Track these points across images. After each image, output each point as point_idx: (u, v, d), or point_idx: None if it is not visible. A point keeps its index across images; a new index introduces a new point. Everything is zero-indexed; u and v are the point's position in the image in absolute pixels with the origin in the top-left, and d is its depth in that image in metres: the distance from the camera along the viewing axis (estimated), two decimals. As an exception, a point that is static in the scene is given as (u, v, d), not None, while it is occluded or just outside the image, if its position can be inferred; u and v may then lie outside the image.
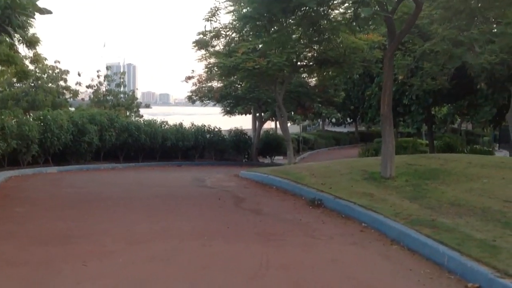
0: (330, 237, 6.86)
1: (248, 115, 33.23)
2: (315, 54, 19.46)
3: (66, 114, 18.93)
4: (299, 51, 18.21)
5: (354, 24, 11.90)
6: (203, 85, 27.14)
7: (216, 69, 20.08)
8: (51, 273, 5.10)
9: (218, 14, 17.25)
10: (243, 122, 31.00)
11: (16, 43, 13.85)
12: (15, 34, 8.97)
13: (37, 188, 11.89)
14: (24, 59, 18.94)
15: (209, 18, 17.43)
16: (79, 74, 34.98)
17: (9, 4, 7.69)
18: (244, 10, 12.67)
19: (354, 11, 10.89)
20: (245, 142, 26.97)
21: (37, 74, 29.23)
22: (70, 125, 17.75)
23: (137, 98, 39.87)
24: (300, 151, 34.12)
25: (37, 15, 8.62)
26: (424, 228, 6.39)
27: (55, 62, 31.36)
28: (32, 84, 29.43)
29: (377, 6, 10.08)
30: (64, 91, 31.49)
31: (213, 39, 19.55)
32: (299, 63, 20.58)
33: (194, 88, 27.48)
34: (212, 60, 20.40)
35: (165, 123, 23.64)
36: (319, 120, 52.09)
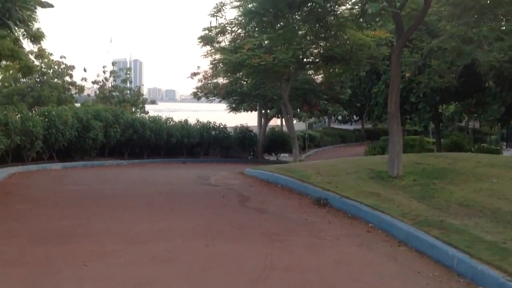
0: (336, 238, 6.73)
1: (253, 112, 33.11)
2: (322, 51, 19.33)
3: (70, 110, 18.86)
4: (305, 48, 18.07)
5: (361, 20, 11.75)
6: (209, 82, 27.07)
7: (222, 66, 19.96)
8: (51, 273, 5.02)
9: (223, 10, 17.19)
10: (249, 119, 30.79)
11: (21, 38, 13.76)
12: (17, 28, 8.86)
13: (40, 185, 11.82)
14: (30, 54, 18.90)
15: (215, 14, 17.37)
16: (85, 70, 35.09)
17: (10, -3, 7.59)
18: (250, 6, 12.51)
19: (362, 6, 10.75)
20: (250, 139, 26.83)
21: (42, 69, 29.28)
22: (75, 121, 17.65)
23: (143, 94, 39.91)
24: (306, 148, 33.97)
25: (39, 9, 8.52)
26: (433, 229, 6.26)
27: (61, 57, 31.50)
28: (38, 80, 29.50)
29: (385, 2, 9.93)
30: (70, 86, 31.54)
31: (219, 35, 19.48)
32: (305, 59, 20.44)
33: (199, 84, 27.43)
34: (218, 56, 20.32)
35: (170, 120, 23.52)
36: (325, 118, 51.95)
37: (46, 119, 16.42)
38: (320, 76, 25.68)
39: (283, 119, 27.47)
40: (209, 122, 25.10)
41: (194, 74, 26.99)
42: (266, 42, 17.46)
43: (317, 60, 20.40)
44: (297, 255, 5.86)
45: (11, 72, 23.05)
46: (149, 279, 4.89)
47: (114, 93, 35.70)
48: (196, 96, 28.14)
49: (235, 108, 29.35)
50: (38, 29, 14.52)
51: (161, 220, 7.79)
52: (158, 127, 21.70)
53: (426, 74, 18.30)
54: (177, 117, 24.92)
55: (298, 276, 5.12)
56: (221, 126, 25.67)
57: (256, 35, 16.89)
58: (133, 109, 34.08)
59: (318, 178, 10.96)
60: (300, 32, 14.52)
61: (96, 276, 4.97)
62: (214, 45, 20.19)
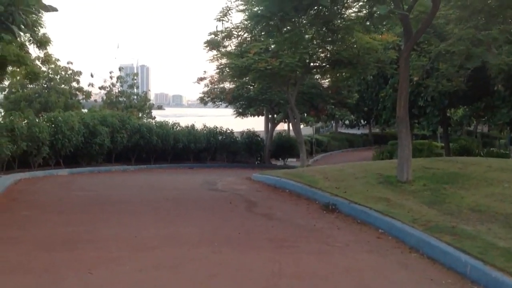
0: (346, 244, 6.60)
1: (260, 116, 33.08)
2: (328, 55, 19.22)
3: (77, 115, 18.84)
4: (312, 52, 17.95)
5: (369, 23, 11.68)
6: (215, 86, 27.06)
7: (228, 70, 19.91)
8: (56, 280, 4.95)
9: (229, 14, 17.12)
10: (256, 123, 30.77)
11: (27, 43, 13.74)
12: (21, 33, 8.81)
13: (46, 191, 11.77)
14: (36, 60, 18.89)
15: (221, 18, 17.29)
16: (91, 75, 35.20)
17: (12, 1, 7.52)
18: (256, 9, 12.45)
19: (369, 9, 10.65)
20: (257, 144, 26.75)
21: (49, 75, 29.37)
22: (81, 126, 17.64)
23: (149, 100, 39.92)
24: (313, 153, 33.88)
25: (46, 14, 8.47)
26: (444, 235, 6.14)
27: (67, 63, 31.65)
28: (45, 85, 29.59)
29: (392, 4, 9.83)
30: (77, 92, 31.60)
31: (225, 39, 19.42)
32: (312, 63, 20.35)
33: (206, 89, 27.43)
34: (224, 60, 20.26)
35: (177, 125, 23.50)
36: (332, 122, 51.80)
37: (53, 125, 16.41)
38: (327, 80, 25.59)
39: (290, 124, 27.44)
40: (216, 127, 25.07)
41: (201, 79, 26.99)
42: (272, 46, 17.38)
43: (324, 64, 20.30)
44: (305, 262, 5.75)
45: (18, 78, 23.06)
46: (155, 286, 4.80)
47: (121, 99, 35.73)
48: (203, 101, 28.15)
49: (241, 113, 29.33)
50: (44, 34, 14.50)
51: (168, 226, 7.70)
52: (165, 132, 21.66)
53: (434, 78, 18.17)
54: (184, 122, 24.91)
55: (307, 283, 5.01)
56: (228, 131, 25.62)
57: (262, 39, 16.83)
58: (140, 115, 34.08)
59: (326, 183, 10.84)
60: (306, 36, 14.45)
61: (101, 283, 4.89)
62: (220, 49, 20.13)
